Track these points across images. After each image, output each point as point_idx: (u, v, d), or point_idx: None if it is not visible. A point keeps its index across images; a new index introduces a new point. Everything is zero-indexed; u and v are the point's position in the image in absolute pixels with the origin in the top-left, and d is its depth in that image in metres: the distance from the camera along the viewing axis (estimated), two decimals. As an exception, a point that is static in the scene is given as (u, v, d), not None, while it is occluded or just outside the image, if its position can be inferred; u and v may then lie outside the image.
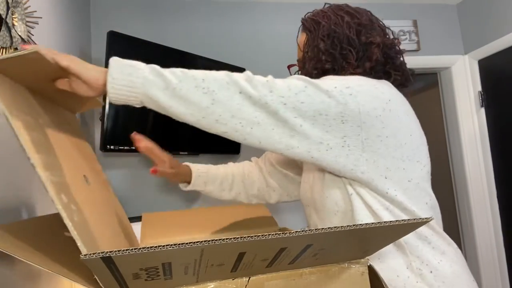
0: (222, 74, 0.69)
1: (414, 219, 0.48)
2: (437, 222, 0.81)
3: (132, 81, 0.65)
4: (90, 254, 0.34)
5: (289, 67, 1.00)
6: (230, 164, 1.13)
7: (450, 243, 0.80)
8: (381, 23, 0.89)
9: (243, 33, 2.23)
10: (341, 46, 0.84)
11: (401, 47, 0.89)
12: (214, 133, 0.70)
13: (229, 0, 2.23)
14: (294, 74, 0.95)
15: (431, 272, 0.74)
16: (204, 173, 1.04)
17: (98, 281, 0.47)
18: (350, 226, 0.46)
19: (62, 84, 0.67)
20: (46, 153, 0.54)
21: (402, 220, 0.48)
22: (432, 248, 0.76)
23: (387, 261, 0.75)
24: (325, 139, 0.70)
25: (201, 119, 0.68)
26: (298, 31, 0.94)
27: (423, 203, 0.78)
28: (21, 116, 0.53)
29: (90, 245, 0.49)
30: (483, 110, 2.41)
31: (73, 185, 0.58)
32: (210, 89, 0.66)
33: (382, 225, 0.47)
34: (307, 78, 0.72)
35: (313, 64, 0.86)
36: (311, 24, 0.89)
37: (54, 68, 0.62)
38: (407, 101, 0.82)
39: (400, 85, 0.87)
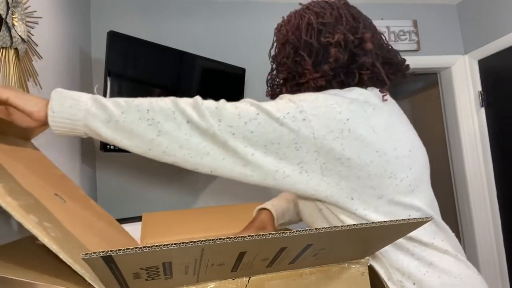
0: (169, 102, 0.66)
1: (414, 218, 0.48)
2: (428, 233, 0.76)
3: (73, 114, 0.63)
4: (91, 253, 0.35)
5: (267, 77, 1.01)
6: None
7: (445, 252, 0.75)
8: (354, 13, 0.82)
9: (243, 33, 2.23)
10: (295, 53, 0.80)
11: (399, 46, 0.86)
12: (164, 162, 0.68)
13: (229, 0, 2.23)
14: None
15: (414, 284, 0.71)
16: (278, 205, 1.03)
17: (99, 281, 0.47)
18: (350, 225, 0.46)
19: (1, 113, 0.66)
20: (4, 181, 0.54)
21: (402, 220, 0.48)
22: (417, 259, 0.73)
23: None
24: (280, 167, 0.67)
25: (148, 151, 0.66)
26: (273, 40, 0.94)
27: (404, 216, 0.73)
28: None
29: (76, 254, 0.49)
30: (483, 110, 2.41)
31: (45, 205, 0.58)
32: (155, 120, 0.64)
33: (382, 225, 0.47)
34: (259, 103, 0.69)
35: (275, 75, 0.85)
36: (275, 33, 0.88)
37: None
38: (382, 106, 0.76)
39: (376, 84, 0.81)
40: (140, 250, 0.36)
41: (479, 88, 2.42)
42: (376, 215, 0.72)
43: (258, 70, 2.22)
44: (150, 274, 0.45)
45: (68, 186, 0.79)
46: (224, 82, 2.03)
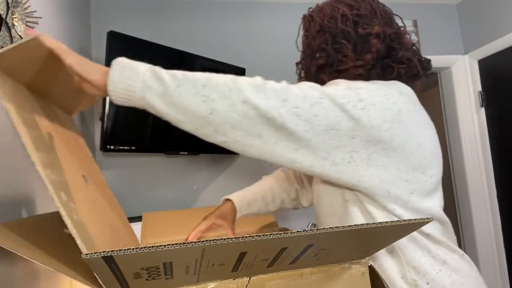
0: (227, 80, 0.64)
1: (415, 219, 0.48)
2: (444, 234, 0.78)
3: (130, 85, 0.63)
4: (92, 253, 0.34)
5: (297, 63, 0.99)
6: (264, 177, 1.14)
7: (455, 251, 0.76)
8: (386, 9, 0.84)
9: (243, 33, 2.23)
10: (333, 40, 0.80)
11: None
12: (213, 142, 0.66)
13: (229, 0, 2.23)
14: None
15: (427, 283, 0.72)
16: (243, 196, 1.04)
17: (99, 280, 0.47)
18: (351, 226, 0.46)
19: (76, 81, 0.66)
20: (46, 152, 0.54)
21: (403, 220, 0.48)
22: (432, 257, 0.74)
23: (381, 270, 0.73)
24: (331, 155, 0.67)
25: (199, 128, 0.64)
26: (299, 29, 0.94)
27: (427, 215, 0.74)
28: (22, 114, 0.53)
29: (89, 244, 0.49)
30: (483, 110, 2.41)
31: (72, 184, 0.58)
32: (210, 97, 0.62)
33: (383, 225, 0.47)
34: (322, 87, 0.69)
35: (309, 61, 0.84)
36: (306, 21, 0.87)
37: (53, 62, 0.62)
38: (417, 102, 0.78)
39: (411, 78, 0.83)
40: (141, 250, 0.36)
41: (479, 88, 2.41)
42: (403, 211, 0.73)
43: (258, 70, 2.21)
44: (151, 274, 0.45)
45: (93, 170, 0.79)
46: (224, 82, 2.03)
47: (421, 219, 0.48)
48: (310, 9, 0.90)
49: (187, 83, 0.63)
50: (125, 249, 0.35)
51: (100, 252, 0.35)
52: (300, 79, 0.89)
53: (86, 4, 1.92)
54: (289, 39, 2.29)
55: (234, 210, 1.01)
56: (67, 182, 0.56)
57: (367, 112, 0.68)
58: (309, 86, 0.69)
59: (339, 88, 0.71)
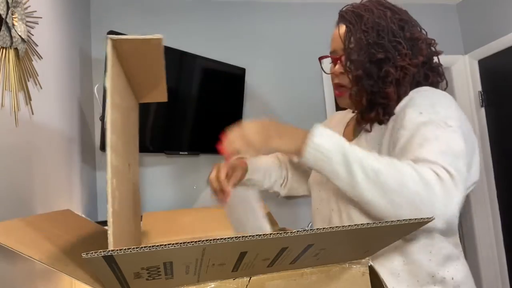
0: (420, 188, 0.66)
1: (415, 219, 0.48)
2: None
3: (321, 166, 0.71)
4: (92, 252, 0.34)
5: (320, 58, 0.99)
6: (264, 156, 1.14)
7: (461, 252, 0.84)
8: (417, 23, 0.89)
9: (243, 33, 2.23)
10: (388, 38, 0.83)
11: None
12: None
13: (229, 0, 2.23)
14: (330, 65, 0.94)
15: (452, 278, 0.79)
16: (251, 162, 1.05)
17: (100, 280, 0.47)
18: (351, 225, 0.46)
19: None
20: (117, 135, 0.56)
21: (403, 219, 0.48)
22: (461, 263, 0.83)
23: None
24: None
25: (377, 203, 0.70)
26: (337, 23, 0.92)
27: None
28: (113, 97, 0.55)
29: (118, 237, 0.49)
30: (483, 110, 2.41)
31: (122, 172, 0.59)
32: (397, 202, 0.66)
33: (383, 225, 0.47)
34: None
35: (362, 57, 0.84)
36: (352, 16, 0.87)
37: (157, 61, 0.68)
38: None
39: (435, 85, 0.88)
40: (141, 250, 0.36)
41: (479, 88, 2.41)
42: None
43: (258, 70, 2.22)
44: (151, 274, 0.45)
45: (135, 160, 0.81)
46: (224, 82, 2.03)
47: (421, 218, 0.48)
48: (349, 6, 0.90)
49: (377, 187, 0.67)
50: (125, 249, 0.35)
51: (101, 252, 0.35)
52: (346, 72, 0.87)
53: (86, 4, 1.92)
54: (289, 39, 2.29)
55: (245, 170, 1.01)
56: (119, 169, 0.57)
57: (469, 137, 0.80)
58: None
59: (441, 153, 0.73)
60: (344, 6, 0.91)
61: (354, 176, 0.68)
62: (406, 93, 0.84)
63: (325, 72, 1.00)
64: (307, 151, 0.70)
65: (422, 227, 0.63)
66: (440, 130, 0.73)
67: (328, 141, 0.70)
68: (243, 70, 2.09)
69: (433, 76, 0.88)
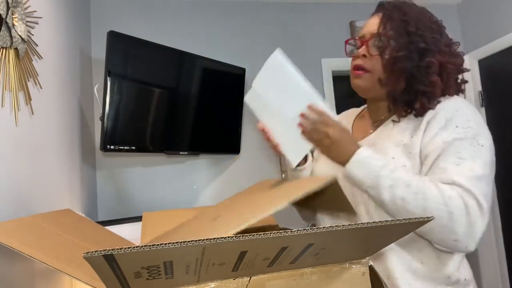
0: (445, 217, 0.73)
1: (415, 218, 0.48)
2: None
3: (365, 186, 0.79)
4: (92, 252, 0.34)
5: (346, 42, 0.99)
6: None
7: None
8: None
9: (243, 33, 2.23)
10: (428, 33, 0.84)
11: None
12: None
13: (229, 0, 2.23)
14: (354, 51, 0.94)
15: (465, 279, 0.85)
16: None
17: (100, 280, 0.47)
18: (351, 225, 0.46)
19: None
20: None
21: (403, 219, 0.48)
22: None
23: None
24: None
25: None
26: (374, 13, 0.92)
27: None
28: None
29: None
30: (483, 110, 2.41)
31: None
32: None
33: (383, 224, 0.47)
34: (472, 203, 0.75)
35: (403, 42, 0.84)
36: (391, 6, 0.88)
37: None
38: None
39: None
40: (142, 249, 0.36)
41: (479, 88, 2.41)
42: None
43: (258, 70, 2.21)
44: (151, 274, 0.45)
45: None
46: (224, 82, 2.03)
47: (421, 218, 0.48)
48: (388, 0, 0.91)
49: (402, 213, 0.76)
50: (125, 248, 0.35)
51: (101, 251, 0.35)
52: (380, 53, 0.87)
53: (86, 4, 1.92)
54: (289, 39, 2.29)
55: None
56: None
57: (488, 149, 0.84)
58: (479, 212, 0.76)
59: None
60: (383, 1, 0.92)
61: (383, 201, 0.77)
62: (449, 92, 0.86)
63: (346, 55, 0.99)
64: (348, 171, 0.79)
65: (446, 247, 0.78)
66: (474, 149, 0.79)
67: (361, 170, 0.78)
68: (243, 70, 2.09)
69: (456, 90, 0.89)
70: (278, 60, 0.85)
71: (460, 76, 0.90)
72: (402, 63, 0.83)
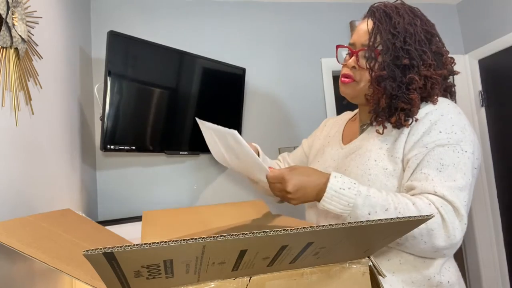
0: (425, 240, 0.75)
1: (415, 216, 0.48)
2: None
3: (341, 210, 0.79)
4: (92, 249, 0.34)
5: (338, 47, 0.99)
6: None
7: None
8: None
9: (243, 33, 2.23)
10: (414, 46, 0.84)
11: None
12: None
13: (229, 0, 2.23)
14: (345, 56, 0.95)
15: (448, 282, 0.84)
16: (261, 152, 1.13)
17: (101, 279, 0.46)
18: (351, 223, 0.46)
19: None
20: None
21: (403, 217, 0.48)
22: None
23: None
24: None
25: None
26: (365, 17, 0.92)
27: None
28: None
29: None
30: (483, 109, 2.41)
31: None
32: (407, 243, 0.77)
33: (382, 222, 0.47)
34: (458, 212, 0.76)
35: (388, 59, 0.84)
36: (382, 15, 0.87)
37: None
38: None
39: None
40: (142, 247, 0.36)
41: (480, 87, 2.41)
42: None
43: (258, 70, 2.22)
44: (151, 273, 0.45)
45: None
46: (224, 82, 2.03)
47: (420, 216, 0.48)
48: (381, 5, 0.90)
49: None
50: (125, 245, 0.35)
51: (101, 249, 0.35)
52: (367, 69, 0.87)
53: (86, 4, 1.92)
54: (289, 39, 2.29)
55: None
56: None
57: (475, 158, 0.82)
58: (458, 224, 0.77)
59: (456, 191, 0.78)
60: (376, 3, 0.91)
61: (372, 215, 0.78)
62: (433, 101, 0.86)
63: (338, 62, 1.01)
64: (324, 207, 0.80)
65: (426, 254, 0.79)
66: (456, 155, 0.78)
67: (336, 204, 0.78)
68: (243, 70, 2.09)
69: (445, 94, 0.90)
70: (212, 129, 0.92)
71: (449, 80, 0.90)
72: (386, 82, 0.84)
